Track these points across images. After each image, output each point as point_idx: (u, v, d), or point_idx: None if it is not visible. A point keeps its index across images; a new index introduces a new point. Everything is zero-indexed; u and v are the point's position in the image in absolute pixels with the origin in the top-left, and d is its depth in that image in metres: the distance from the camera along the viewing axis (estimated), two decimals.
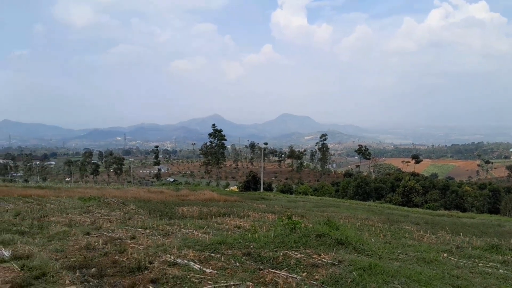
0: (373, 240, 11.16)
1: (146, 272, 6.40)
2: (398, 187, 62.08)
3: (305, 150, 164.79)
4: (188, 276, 6.07)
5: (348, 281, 5.92)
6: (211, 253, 7.67)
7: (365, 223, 18.03)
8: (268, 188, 70.12)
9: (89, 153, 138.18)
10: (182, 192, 37.67)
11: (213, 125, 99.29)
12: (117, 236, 10.42)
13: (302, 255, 7.47)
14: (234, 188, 79.23)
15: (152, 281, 5.88)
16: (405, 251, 9.49)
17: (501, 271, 8.05)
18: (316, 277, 6.21)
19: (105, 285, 5.72)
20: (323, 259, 7.25)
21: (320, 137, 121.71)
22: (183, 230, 11.94)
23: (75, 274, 6.18)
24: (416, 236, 14.06)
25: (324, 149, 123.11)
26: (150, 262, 6.94)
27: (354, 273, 6.29)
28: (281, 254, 7.49)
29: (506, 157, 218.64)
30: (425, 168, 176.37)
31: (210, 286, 5.65)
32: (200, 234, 10.98)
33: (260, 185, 65.37)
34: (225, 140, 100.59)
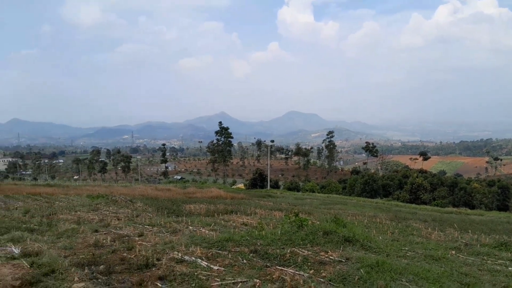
0: (380, 237, 11.10)
1: (154, 269, 6.44)
2: (405, 184, 61.70)
3: (312, 148, 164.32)
4: (195, 273, 6.09)
5: (356, 279, 5.91)
6: (218, 250, 7.69)
7: (372, 220, 17.94)
8: (275, 185, 70.10)
9: (97, 151, 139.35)
10: (189, 190, 37.76)
11: (220, 122, 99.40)
12: (125, 233, 10.48)
13: (309, 253, 7.46)
14: (241, 185, 79.31)
15: (160, 278, 5.91)
16: (413, 249, 9.43)
17: (510, 268, 7.96)
18: (324, 274, 6.20)
19: (113, 282, 5.77)
20: (331, 257, 7.24)
21: (327, 134, 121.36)
22: (190, 227, 11.97)
23: (84, 271, 6.24)
24: (424, 233, 13.95)
25: (331, 146, 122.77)
26: (158, 259, 6.98)
27: (361, 270, 6.28)
28: (288, 251, 7.49)
29: None
30: (433, 165, 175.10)
31: (217, 283, 5.67)
32: (207, 231, 11.00)
33: (267, 182, 65.38)
34: (232, 137, 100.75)
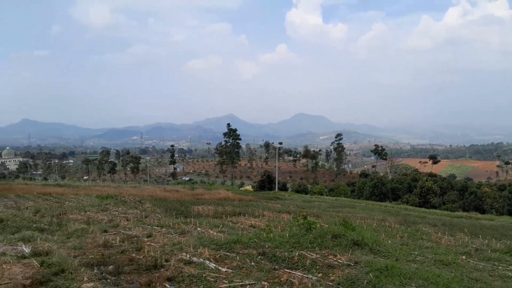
0: (389, 241, 11.02)
1: (162, 270, 6.47)
2: (415, 187, 61.10)
3: (320, 150, 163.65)
4: (203, 275, 6.11)
5: (365, 283, 5.87)
6: (227, 252, 7.70)
7: (381, 224, 17.80)
8: (283, 187, 69.95)
9: (106, 152, 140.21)
10: (198, 191, 37.85)
11: (228, 124, 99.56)
12: (134, 234, 10.55)
13: (318, 256, 7.43)
14: (249, 187, 79.28)
15: (168, 279, 5.94)
16: (422, 253, 9.34)
17: None
18: (332, 278, 6.17)
19: (122, 282, 5.80)
20: (339, 260, 7.20)
21: (335, 137, 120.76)
22: (198, 228, 12.01)
23: (93, 271, 6.29)
24: (433, 238, 13.81)
25: (340, 149, 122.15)
26: (166, 260, 7.01)
27: (370, 274, 6.23)
28: (297, 254, 7.47)
29: None
30: (443, 168, 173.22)
31: (225, 285, 5.67)
32: (215, 233, 11.02)
33: (275, 184, 65.27)
34: (240, 139, 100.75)
